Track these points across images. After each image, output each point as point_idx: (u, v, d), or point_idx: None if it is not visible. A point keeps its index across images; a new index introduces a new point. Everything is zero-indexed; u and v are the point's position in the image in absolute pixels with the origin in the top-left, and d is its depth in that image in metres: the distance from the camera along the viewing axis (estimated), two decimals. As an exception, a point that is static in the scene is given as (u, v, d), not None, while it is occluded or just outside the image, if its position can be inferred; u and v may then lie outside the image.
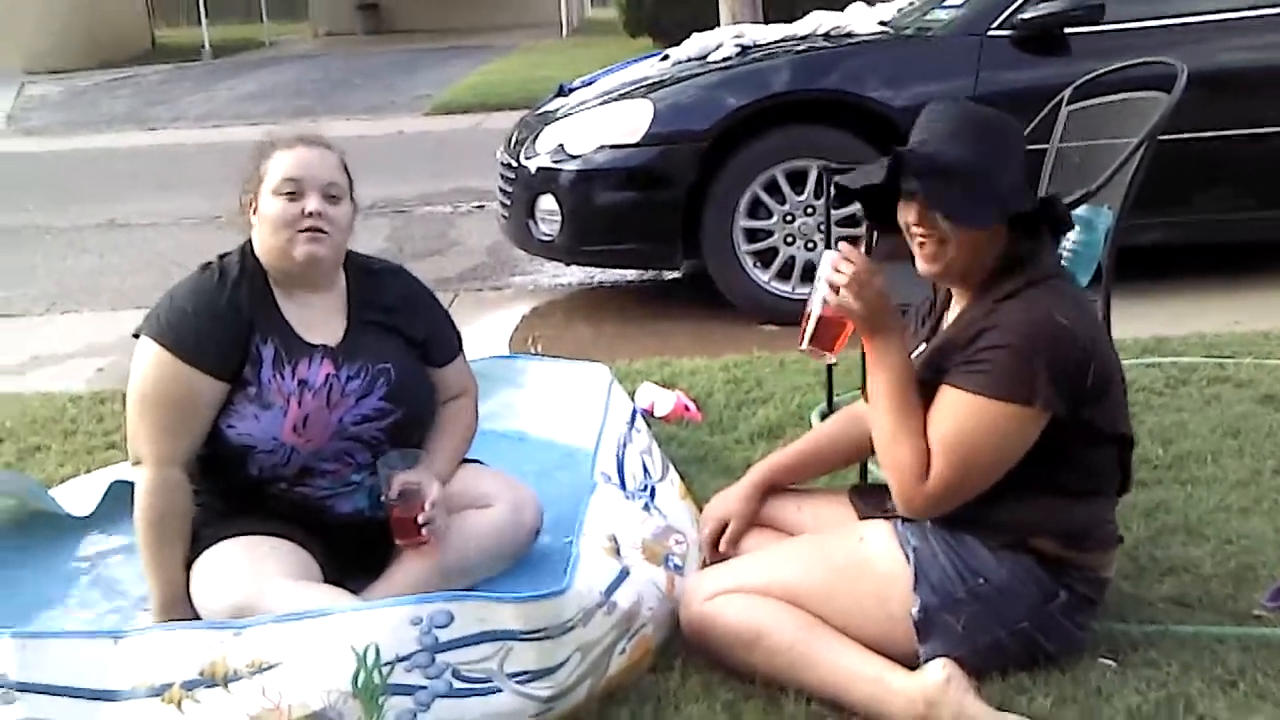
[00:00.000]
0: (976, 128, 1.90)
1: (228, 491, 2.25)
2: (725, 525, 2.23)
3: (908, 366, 1.91)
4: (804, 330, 1.95)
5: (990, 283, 1.92)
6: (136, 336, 2.24)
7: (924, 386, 1.90)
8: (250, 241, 2.29)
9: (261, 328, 2.23)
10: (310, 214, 2.21)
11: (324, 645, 1.82)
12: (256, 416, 2.19)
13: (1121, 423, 1.94)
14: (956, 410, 1.84)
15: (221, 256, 2.31)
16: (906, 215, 1.93)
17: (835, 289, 1.87)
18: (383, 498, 2.22)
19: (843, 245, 1.92)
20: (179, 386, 2.17)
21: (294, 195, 2.21)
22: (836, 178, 2.06)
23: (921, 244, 1.92)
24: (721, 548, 2.23)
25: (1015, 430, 1.83)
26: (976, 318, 1.90)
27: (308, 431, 2.21)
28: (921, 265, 1.95)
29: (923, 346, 2.04)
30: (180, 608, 2.14)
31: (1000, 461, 1.85)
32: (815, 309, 1.92)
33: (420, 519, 2.19)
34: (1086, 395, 1.83)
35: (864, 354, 1.94)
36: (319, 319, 2.29)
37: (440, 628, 1.83)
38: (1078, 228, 2.59)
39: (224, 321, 2.20)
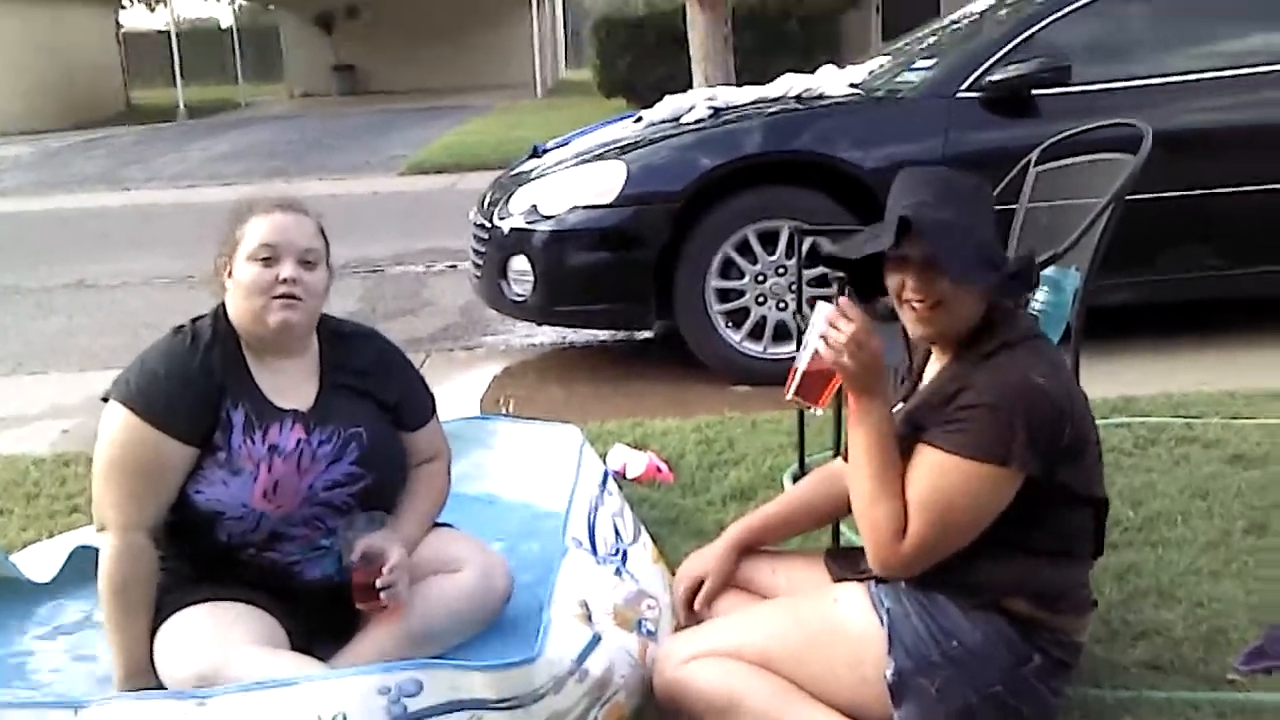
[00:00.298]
0: (961, 190, 1.93)
1: (194, 557, 2.21)
2: (700, 584, 2.20)
3: (890, 427, 1.91)
4: (791, 380, 1.94)
5: (970, 342, 1.93)
6: (105, 400, 2.21)
7: (901, 442, 1.90)
8: (224, 305, 2.28)
9: (233, 392, 2.21)
10: (285, 280, 2.19)
11: (291, 716, 1.78)
12: (225, 482, 2.16)
13: (1096, 485, 1.94)
14: (933, 470, 1.85)
15: (194, 320, 2.30)
16: (901, 278, 1.92)
17: (831, 345, 1.86)
18: (344, 561, 2.19)
19: (842, 301, 1.90)
20: (147, 451, 2.14)
21: (269, 261, 2.20)
22: (829, 249, 2.05)
23: (915, 307, 1.91)
24: (696, 607, 2.21)
25: (991, 490, 1.83)
26: (956, 376, 1.90)
27: (278, 497, 2.18)
28: (914, 328, 1.95)
29: (900, 405, 2.04)
30: (144, 677, 2.10)
31: (976, 521, 1.85)
32: (803, 362, 1.91)
33: (378, 583, 2.16)
34: (1062, 456, 1.84)
35: (838, 412, 1.94)
36: (291, 384, 2.28)
37: (409, 696, 1.80)
38: (1046, 288, 2.61)
39: (195, 386, 2.18)
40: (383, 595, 2.16)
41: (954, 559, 1.87)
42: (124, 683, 2.11)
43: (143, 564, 2.13)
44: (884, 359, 1.89)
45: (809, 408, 1.98)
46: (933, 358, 2.04)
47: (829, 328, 1.86)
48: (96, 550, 2.15)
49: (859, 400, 1.90)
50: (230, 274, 2.24)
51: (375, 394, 2.35)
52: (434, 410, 2.49)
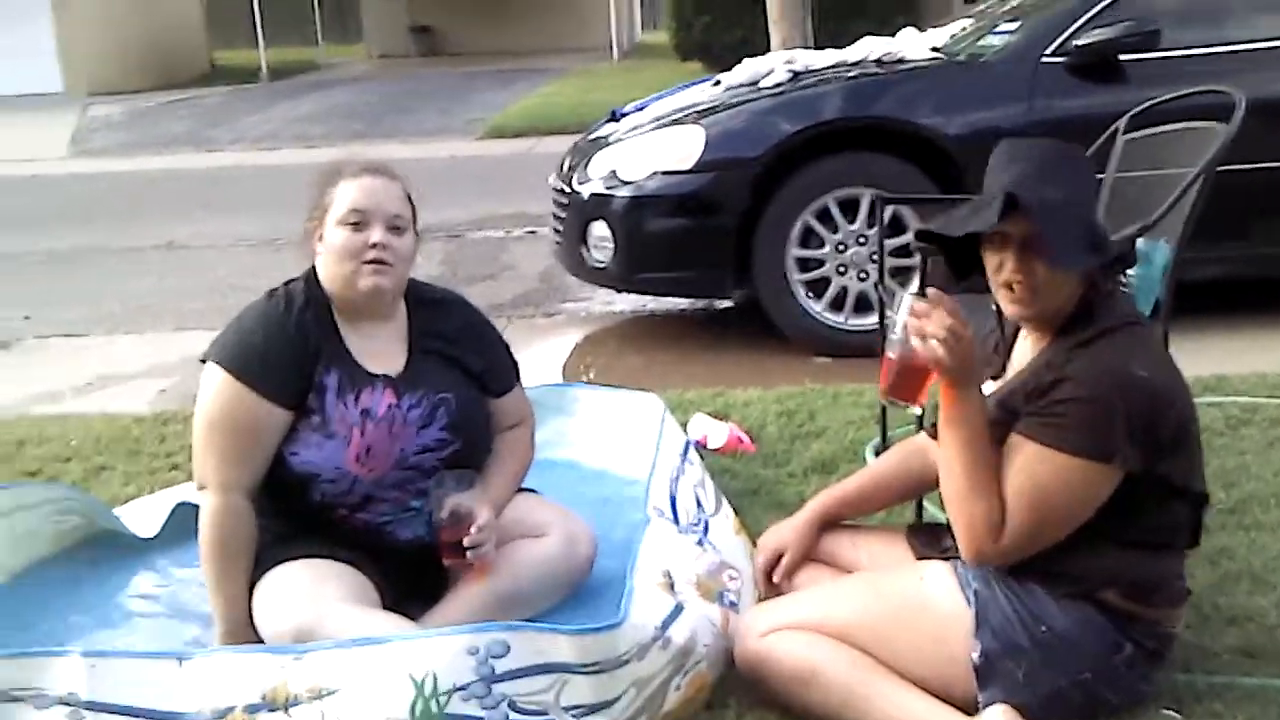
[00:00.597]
0: (1066, 165, 1.87)
1: (289, 516, 2.28)
2: (780, 556, 2.22)
3: (985, 421, 1.86)
4: (885, 378, 1.90)
5: (1067, 326, 1.88)
6: (203, 362, 2.28)
7: (994, 427, 1.87)
8: (314, 269, 2.33)
9: (326, 356, 2.26)
10: (375, 245, 2.24)
11: (383, 673, 1.85)
12: (320, 445, 2.22)
13: (1196, 478, 1.89)
14: (1032, 464, 1.81)
15: (287, 283, 2.35)
16: (1000, 258, 1.88)
17: (926, 338, 1.80)
18: (433, 520, 2.25)
19: (931, 292, 1.85)
20: (245, 413, 2.20)
21: (359, 226, 2.25)
22: (925, 225, 2.02)
23: (1013, 288, 1.87)
24: (775, 579, 2.22)
25: (1091, 485, 1.80)
26: (1054, 363, 1.85)
27: (370, 461, 2.23)
28: (1010, 309, 1.91)
29: (991, 383, 2.03)
30: (244, 631, 2.18)
31: (1074, 516, 1.82)
32: (897, 355, 1.86)
33: (466, 541, 2.20)
34: (1163, 449, 1.80)
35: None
36: (381, 348, 2.33)
37: (496, 658, 1.85)
38: (1135, 261, 2.57)
39: (290, 349, 2.24)
40: (469, 554, 2.21)
41: (1051, 549, 1.85)
42: (224, 637, 2.20)
43: (241, 523, 2.21)
44: (976, 350, 1.85)
45: (906, 406, 1.94)
46: (1023, 334, 2.01)
47: (921, 320, 1.80)
48: (197, 507, 2.23)
49: (954, 393, 1.85)
50: (321, 238, 2.29)
51: (463, 360, 2.39)
52: (518, 376, 2.53)
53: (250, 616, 2.18)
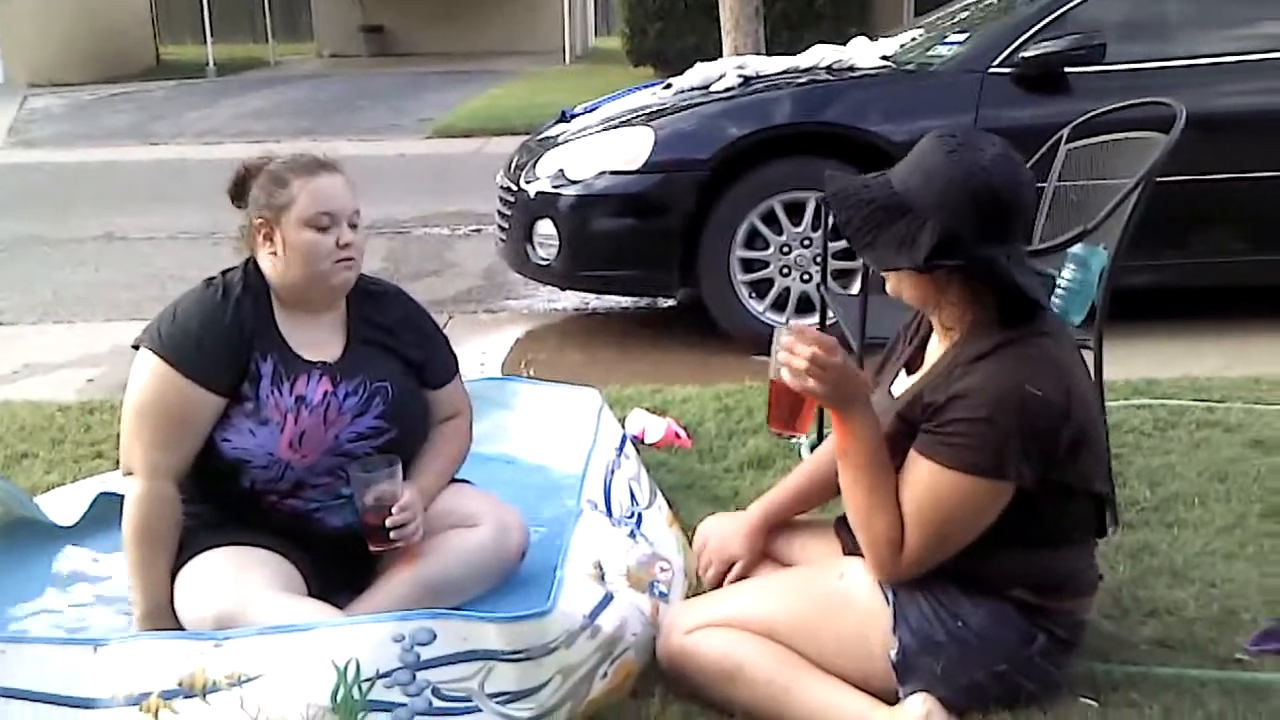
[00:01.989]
0: (932, 171, 1.81)
1: (217, 502, 2.25)
2: (729, 566, 2.20)
3: (878, 437, 1.87)
4: (771, 411, 1.91)
5: (969, 334, 1.88)
6: (136, 348, 2.24)
7: (895, 438, 1.88)
8: (252, 260, 2.30)
9: (261, 344, 2.23)
10: (346, 245, 2.24)
11: (305, 659, 1.81)
12: (253, 431, 2.19)
13: (1097, 480, 1.91)
14: (929, 483, 1.82)
15: (225, 272, 2.32)
16: None
17: (793, 373, 1.82)
18: (357, 503, 2.22)
19: (794, 324, 1.89)
20: (176, 399, 2.17)
21: (326, 228, 2.23)
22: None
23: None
24: (725, 584, 2.20)
25: (987, 501, 1.82)
26: (953, 373, 1.84)
27: (303, 448, 2.21)
28: (891, 294, 1.95)
29: (902, 374, 2.04)
30: (163, 617, 2.13)
31: (973, 529, 1.84)
32: (774, 388, 1.88)
33: (388, 522, 2.18)
34: (1058, 460, 1.81)
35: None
36: (319, 338, 2.30)
37: (422, 645, 1.82)
38: (1073, 266, 2.60)
39: (226, 337, 2.21)
40: (393, 534, 2.19)
41: (956, 554, 1.87)
42: (143, 621, 2.15)
43: (167, 509, 2.17)
44: (853, 370, 1.85)
45: (794, 437, 1.94)
46: (934, 334, 2.01)
47: (788, 354, 1.82)
48: (120, 497, 2.19)
49: (839, 417, 1.86)
50: (270, 238, 2.24)
51: (401, 351, 2.38)
52: (457, 369, 2.51)
53: (171, 602, 2.14)
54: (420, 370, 2.41)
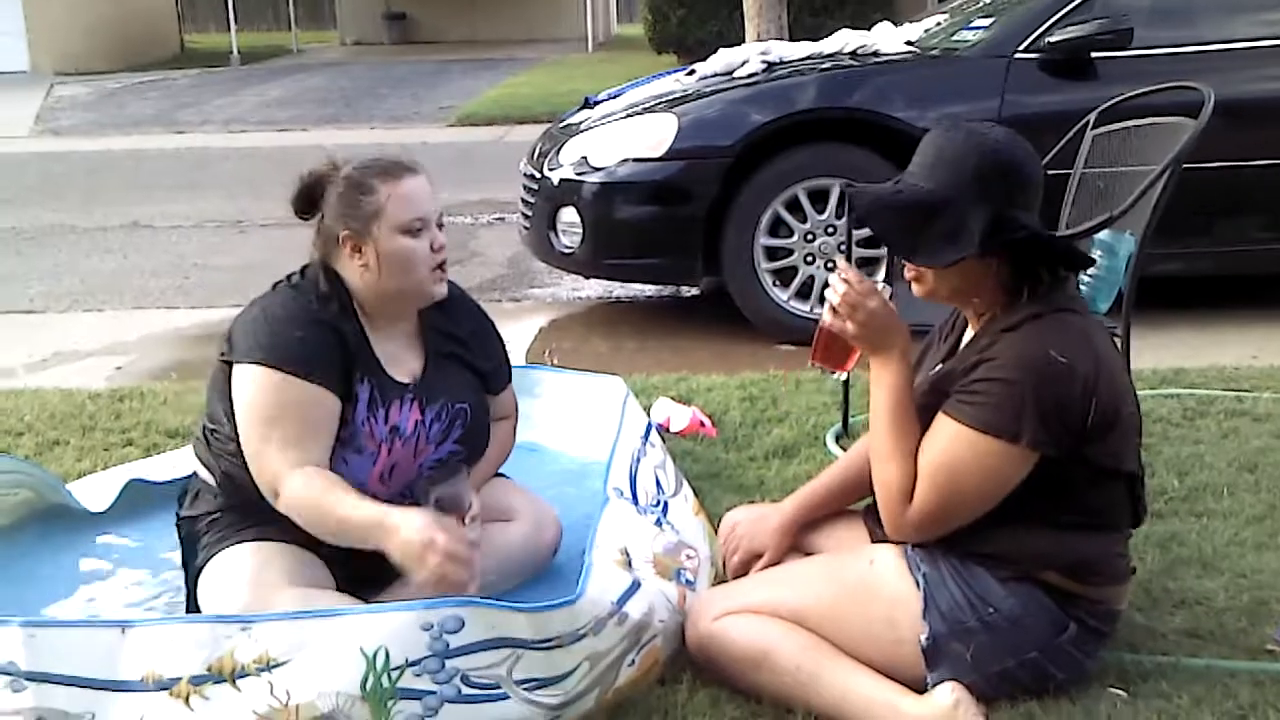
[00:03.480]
0: (956, 158, 1.85)
1: (274, 514, 2.12)
2: (755, 557, 2.20)
3: (906, 387, 1.91)
4: (814, 346, 1.99)
5: (1000, 313, 1.90)
6: (226, 362, 2.14)
7: (928, 410, 1.89)
8: (326, 268, 2.20)
9: (360, 366, 2.16)
10: (439, 248, 2.18)
11: (333, 646, 1.82)
12: (346, 460, 2.11)
13: (1128, 459, 1.90)
14: (945, 439, 1.84)
15: (302, 273, 2.22)
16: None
17: (832, 309, 1.91)
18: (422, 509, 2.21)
19: (839, 264, 1.93)
20: (302, 400, 2.06)
21: (419, 231, 2.16)
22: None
23: (908, 271, 1.93)
24: (749, 574, 2.19)
25: (999, 465, 1.81)
26: (981, 347, 1.89)
27: (392, 481, 2.17)
28: (918, 291, 1.96)
29: (939, 366, 2.04)
30: (389, 516, 1.95)
31: (983, 494, 1.84)
32: (821, 325, 1.98)
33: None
34: (1085, 434, 1.81)
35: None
36: (399, 351, 2.24)
37: (451, 633, 1.83)
38: (1100, 252, 2.58)
39: (329, 346, 2.11)
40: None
41: (985, 533, 1.87)
42: (384, 539, 1.94)
43: (325, 474, 2.05)
44: (892, 318, 1.89)
45: (831, 372, 2.02)
46: (969, 325, 2.02)
47: (830, 292, 1.90)
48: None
49: (872, 359, 1.92)
50: (359, 249, 2.15)
51: (475, 364, 2.34)
52: (511, 373, 2.50)
53: (375, 510, 1.98)
54: (486, 380, 2.38)
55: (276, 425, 2.06)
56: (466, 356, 2.33)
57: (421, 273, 2.16)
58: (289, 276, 2.24)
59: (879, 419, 1.91)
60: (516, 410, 2.53)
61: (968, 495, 1.84)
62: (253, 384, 2.09)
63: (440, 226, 2.21)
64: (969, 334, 2.02)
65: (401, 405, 2.18)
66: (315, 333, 2.12)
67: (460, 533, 1.94)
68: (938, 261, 1.85)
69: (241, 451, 2.11)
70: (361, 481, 2.12)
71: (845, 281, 1.89)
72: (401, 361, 2.23)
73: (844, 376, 2.08)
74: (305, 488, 2.03)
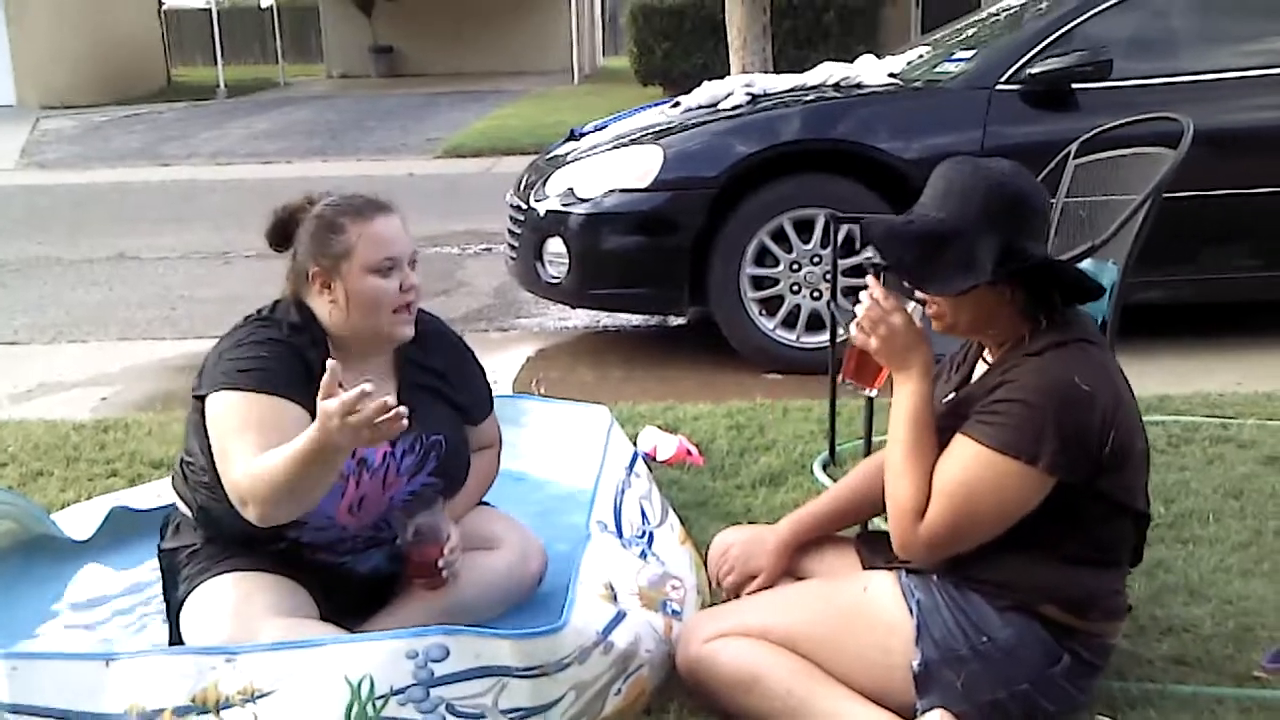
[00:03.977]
0: (965, 189, 1.88)
1: (251, 548, 2.14)
2: (749, 579, 2.19)
3: (926, 406, 1.90)
4: (845, 362, 2.02)
5: (1020, 341, 1.91)
6: (199, 398, 2.13)
7: (946, 434, 1.89)
8: (299, 303, 2.21)
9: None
10: (408, 289, 2.17)
11: (318, 675, 1.81)
12: None
13: (1139, 496, 1.91)
14: (961, 458, 1.84)
15: (273, 309, 2.22)
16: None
17: (857, 325, 1.93)
18: (399, 540, 2.20)
19: (870, 281, 1.94)
20: (266, 412, 2.04)
21: (389, 270, 2.15)
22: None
23: (924, 303, 1.94)
24: (742, 595, 2.19)
25: (1015, 487, 1.81)
26: (1003, 370, 1.89)
27: (361, 513, 2.17)
28: (936, 325, 1.96)
29: (952, 395, 2.04)
30: (320, 431, 1.87)
31: (998, 516, 1.83)
32: (853, 343, 1.99)
33: (440, 562, 2.17)
34: (1102, 464, 1.81)
35: (870, 403, 1.95)
36: (373, 384, 2.24)
37: (435, 661, 1.82)
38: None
39: (299, 375, 2.10)
40: (444, 573, 2.17)
41: (989, 559, 1.86)
42: (320, 438, 1.86)
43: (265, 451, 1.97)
44: (914, 337, 1.90)
45: (861, 389, 2.03)
46: (986, 353, 2.03)
47: (859, 308, 1.92)
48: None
49: (895, 375, 1.93)
50: (328, 285, 2.16)
51: (451, 397, 2.33)
52: (492, 402, 2.49)
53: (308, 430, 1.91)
54: (466, 413, 2.37)
55: (241, 437, 2.03)
56: (444, 390, 2.31)
57: (386, 314, 2.16)
58: (259, 310, 2.24)
59: (897, 434, 1.90)
60: (500, 439, 2.52)
61: (982, 516, 1.83)
62: (219, 407, 2.09)
63: (413, 265, 2.20)
64: (980, 368, 2.02)
65: None
66: (281, 355, 2.13)
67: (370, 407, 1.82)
68: (950, 289, 1.86)
69: (217, 484, 2.08)
70: (330, 514, 2.12)
71: (872, 298, 1.91)
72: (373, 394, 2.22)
73: (873, 394, 2.09)
74: (254, 463, 1.97)
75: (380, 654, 1.83)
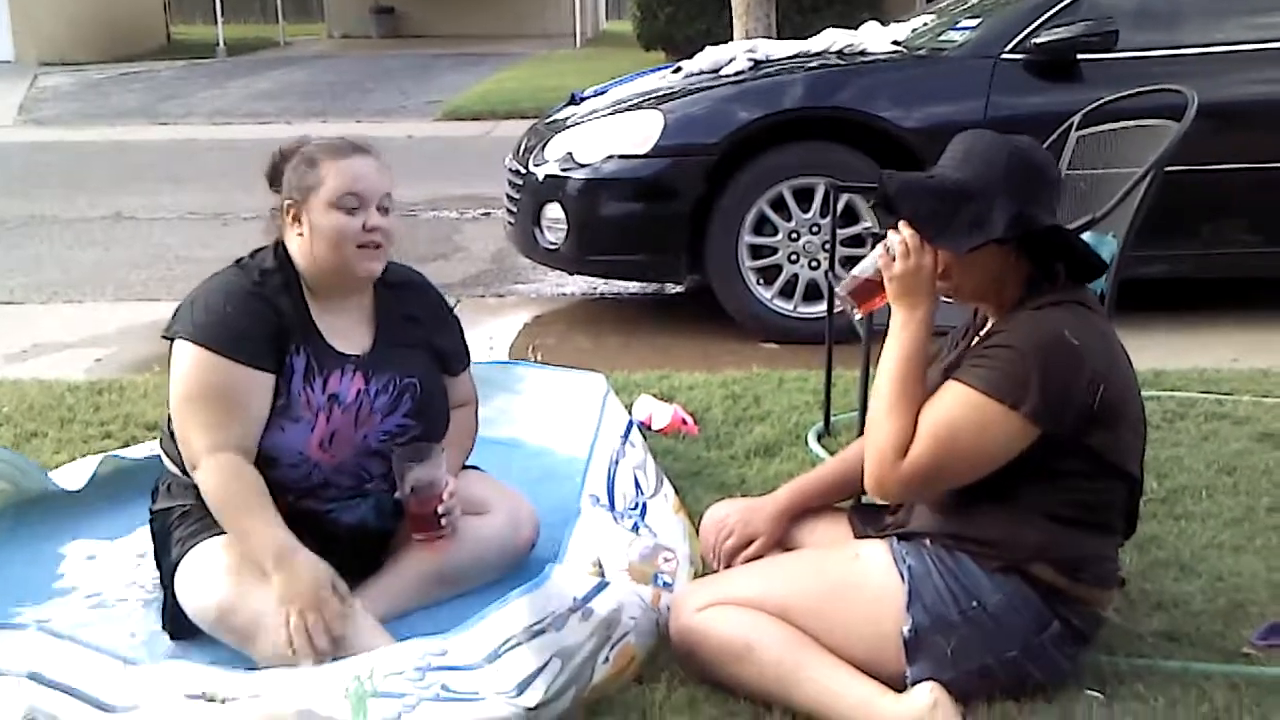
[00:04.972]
0: (986, 154, 1.92)
1: None
2: (748, 541, 2.19)
3: (921, 350, 1.92)
4: (849, 282, 2.02)
5: (1024, 301, 1.94)
6: (169, 339, 2.18)
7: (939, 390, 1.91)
8: (281, 245, 2.25)
9: (295, 336, 2.18)
10: (373, 229, 2.18)
11: (332, 680, 1.81)
12: (283, 429, 2.14)
13: (1131, 461, 1.92)
14: (948, 399, 1.87)
15: (254, 254, 2.27)
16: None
17: (888, 249, 1.93)
18: (397, 494, 2.20)
19: (902, 225, 1.95)
20: (225, 381, 2.11)
21: (354, 209, 2.18)
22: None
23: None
24: (736, 564, 2.19)
25: (998, 431, 1.83)
26: (998, 325, 1.94)
27: (333, 448, 2.18)
28: (938, 285, 1.96)
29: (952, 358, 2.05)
30: (295, 554, 2.02)
31: (978, 459, 1.85)
32: (863, 269, 2.00)
33: (440, 509, 2.17)
34: (1089, 419, 1.82)
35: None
36: (348, 326, 2.26)
37: (435, 656, 1.84)
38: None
39: (262, 319, 2.16)
40: (443, 522, 2.18)
41: (980, 519, 1.88)
42: (277, 572, 2.00)
43: (239, 474, 2.08)
44: (932, 284, 1.92)
45: (854, 307, 2.04)
46: (988, 323, 2.04)
47: (892, 233, 1.93)
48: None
49: (898, 307, 1.94)
50: (299, 219, 2.21)
51: (430, 342, 2.35)
52: (469, 357, 2.50)
53: (288, 539, 2.04)
54: (443, 360, 2.39)
55: (199, 405, 2.11)
56: (417, 334, 2.34)
57: (348, 249, 2.18)
58: (240, 258, 2.28)
59: (887, 370, 1.91)
60: (476, 399, 2.53)
61: (962, 456, 1.85)
62: (181, 360, 2.15)
63: (384, 210, 2.22)
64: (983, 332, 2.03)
65: (342, 375, 2.20)
66: (246, 305, 2.16)
67: (334, 612, 1.97)
68: (960, 246, 1.87)
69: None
70: (301, 449, 2.15)
71: (916, 234, 1.91)
72: (349, 336, 2.26)
73: (859, 317, 2.11)
74: (220, 487, 2.08)
75: (380, 655, 1.85)
